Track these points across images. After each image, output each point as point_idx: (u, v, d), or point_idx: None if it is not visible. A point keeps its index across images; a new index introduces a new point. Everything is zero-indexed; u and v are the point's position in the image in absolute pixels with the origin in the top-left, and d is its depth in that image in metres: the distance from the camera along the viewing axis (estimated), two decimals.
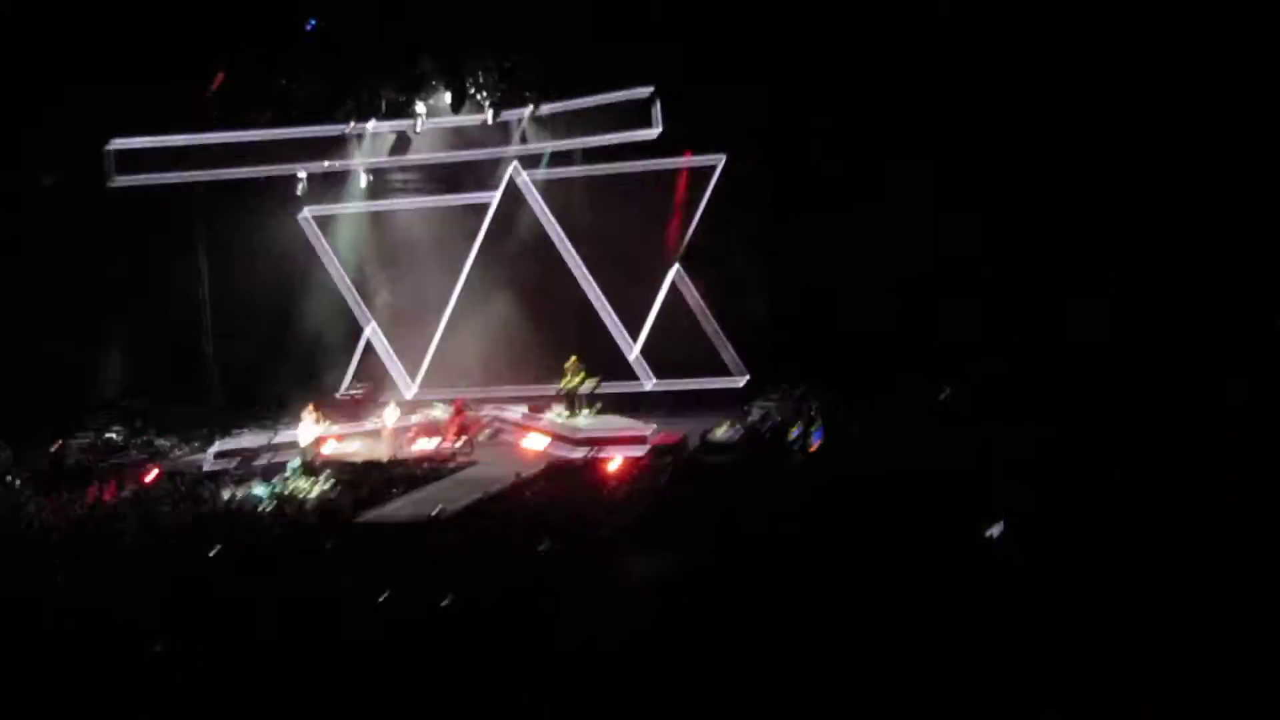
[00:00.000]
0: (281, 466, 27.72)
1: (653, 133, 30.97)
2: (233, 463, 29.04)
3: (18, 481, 27.05)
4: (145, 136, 31.74)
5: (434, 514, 21.75)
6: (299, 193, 34.19)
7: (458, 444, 30.26)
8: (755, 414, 28.40)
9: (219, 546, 19.69)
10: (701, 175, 32.24)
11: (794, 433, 26.01)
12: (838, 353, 27.87)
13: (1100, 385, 22.89)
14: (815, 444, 25.47)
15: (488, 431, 31.88)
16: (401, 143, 34.24)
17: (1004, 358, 25.60)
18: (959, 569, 14.08)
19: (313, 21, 29.31)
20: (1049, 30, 25.49)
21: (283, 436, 30.08)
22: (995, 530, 15.40)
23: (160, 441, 31.30)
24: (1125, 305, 25.30)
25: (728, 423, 27.72)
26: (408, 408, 33.30)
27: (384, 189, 35.37)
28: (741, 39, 27.77)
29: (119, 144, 31.77)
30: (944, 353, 26.87)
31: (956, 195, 27.25)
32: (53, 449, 29.44)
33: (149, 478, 27.46)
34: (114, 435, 30.85)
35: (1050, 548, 14.65)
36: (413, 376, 35.39)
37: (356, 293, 35.50)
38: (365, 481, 26.23)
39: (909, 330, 27.65)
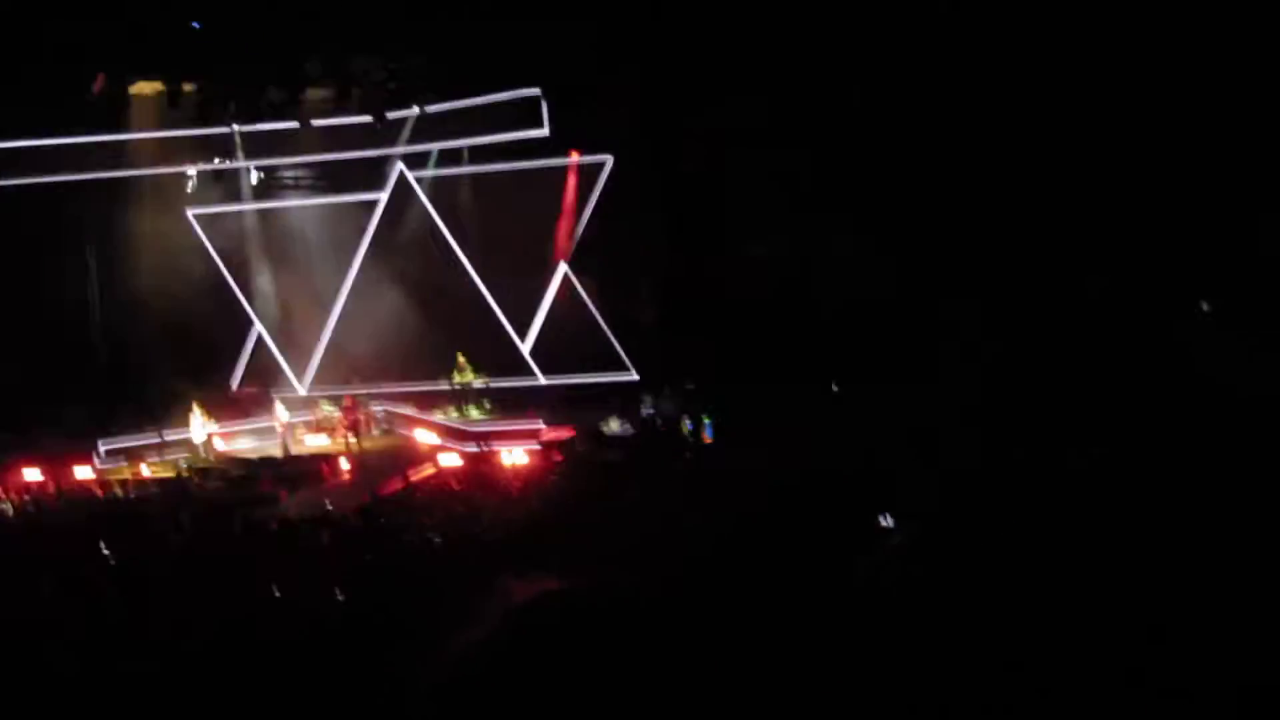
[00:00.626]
0: None
1: (541, 132, 31.24)
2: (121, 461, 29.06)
3: None
4: (28, 139, 31.43)
5: (324, 513, 21.83)
6: (189, 190, 34.03)
7: (349, 439, 30.41)
8: (646, 409, 28.69)
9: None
10: (589, 175, 32.52)
11: (686, 426, 26.42)
12: (727, 348, 28.09)
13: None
14: (708, 438, 25.91)
15: (379, 428, 32.02)
16: (288, 142, 34.16)
17: (893, 353, 25.94)
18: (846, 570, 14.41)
19: (196, 23, 29.16)
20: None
21: (172, 435, 30.06)
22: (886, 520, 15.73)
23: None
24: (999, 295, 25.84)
25: (618, 418, 28.10)
26: (298, 405, 33.34)
27: (271, 188, 35.26)
28: (630, 37, 27.87)
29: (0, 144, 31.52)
30: (834, 348, 27.31)
31: (837, 192, 27.55)
32: None
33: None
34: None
35: (942, 544, 14.99)
36: (303, 374, 35.35)
37: (245, 291, 35.35)
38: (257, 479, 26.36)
39: (798, 325, 27.97)
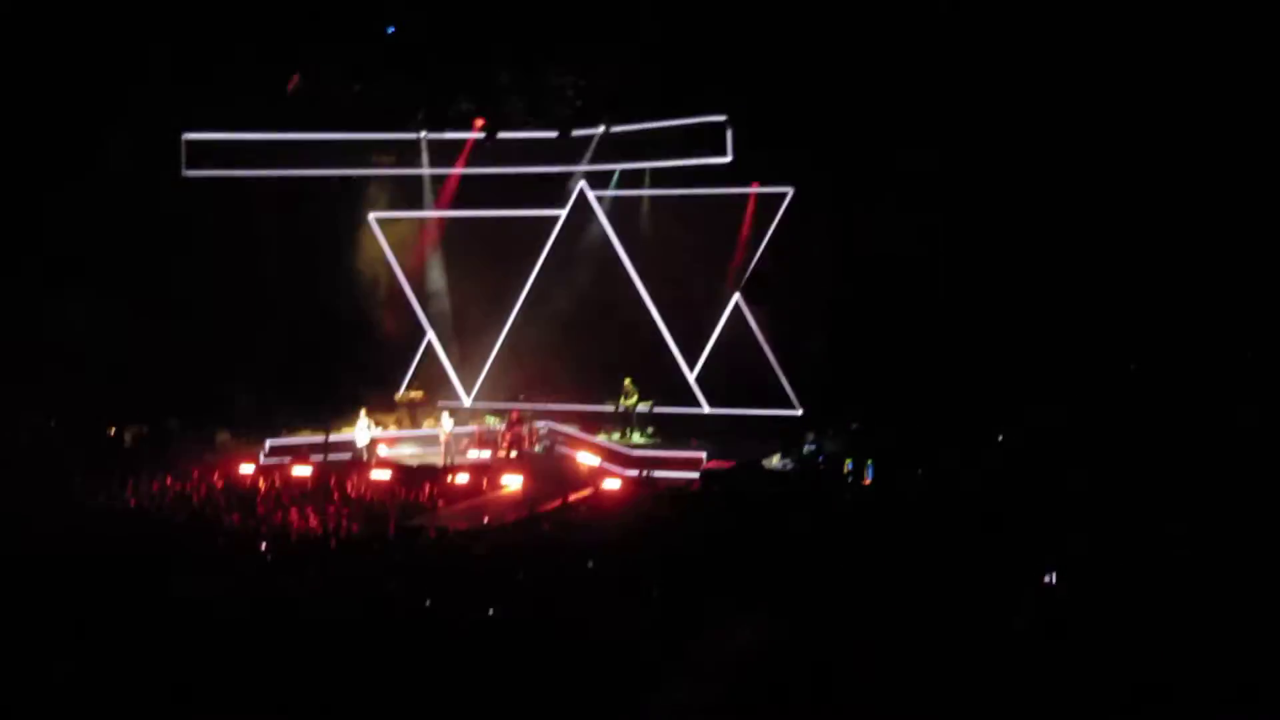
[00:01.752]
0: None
1: (724, 159, 31.06)
2: (287, 459, 29.35)
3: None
4: (218, 132, 32.07)
5: (481, 524, 21.79)
6: (362, 195, 34.40)
7: (511, 454, 30.42)
8: (809, 446, 28.31)
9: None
10: (769, 205, 32.19)
11: (847, 466, 26.00)
12: (897, 390, 27.67)
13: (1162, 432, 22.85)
14: (868, 479, 25.46)
15: (542, 445, 31.98)
16: (472, 152, 34.37)
17: (1066, 403, 25.40)
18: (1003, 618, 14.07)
19: (391, 27, 29.43)
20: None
21: (337, 436, 30.32)
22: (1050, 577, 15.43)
23: (221, 435, 31.36)
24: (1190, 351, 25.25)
25: (780, 454, 27.78)
26: (463, 416, 33.46)
27: (452, 198, 35.39)
28: (819, 73, 27.63)
29: (192, 136, 32.11)
30: (1004, 396, 26.76)
31: (1023, 241, 27.06)
32: (111, 432, 29.85)
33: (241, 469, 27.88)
34: (172, 424, 31.04)
35: (1102, 597, 14.62)
36: (470, 385, 35.46)
37: (419, 299, 35.58)
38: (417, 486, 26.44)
39: (969, 371, 27.47)
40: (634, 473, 27.89)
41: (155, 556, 17.80)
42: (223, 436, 31.03)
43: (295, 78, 30.79)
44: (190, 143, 32.17)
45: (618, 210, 34.29)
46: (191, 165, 32.17)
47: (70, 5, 27.88)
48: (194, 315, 30.65)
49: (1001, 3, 26.25)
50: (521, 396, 33.44)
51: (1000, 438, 26.41)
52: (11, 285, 29.08)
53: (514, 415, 31.74)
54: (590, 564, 17.57)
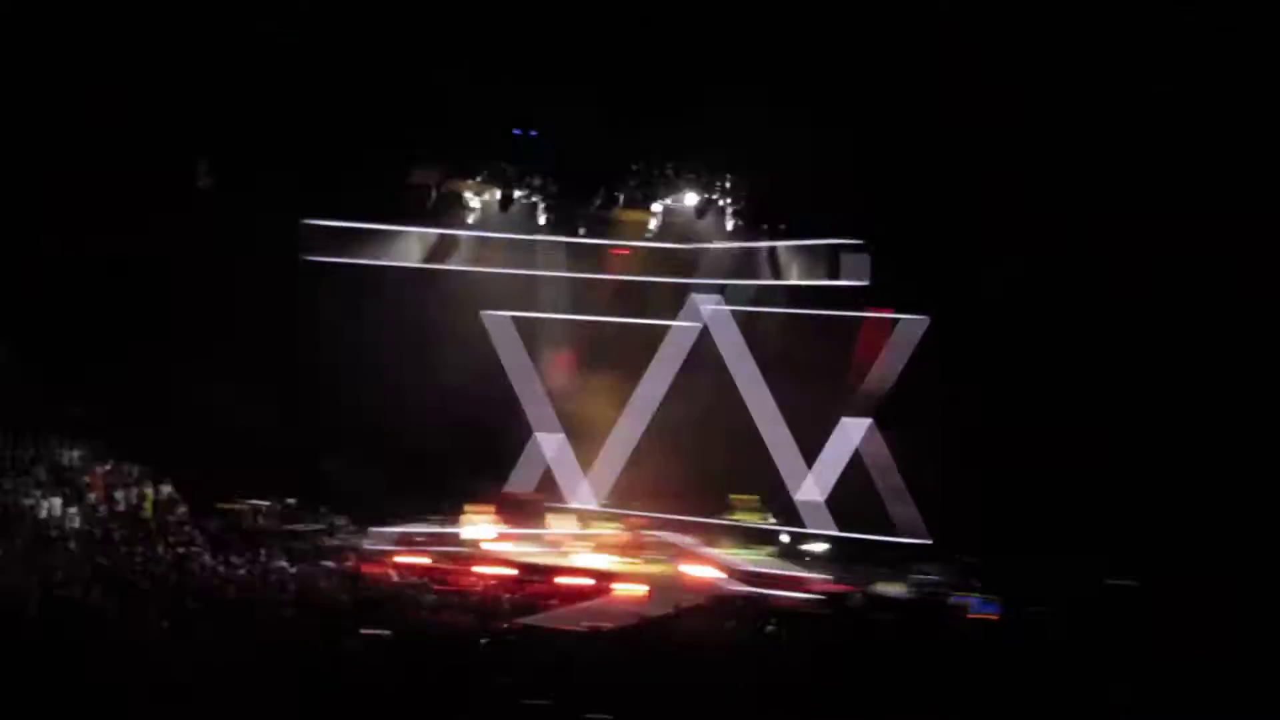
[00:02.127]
0: None
1: (861, 283, 30.97)
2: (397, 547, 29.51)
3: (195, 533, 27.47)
4: (341, 220, 32.57)
5: (589, 628, 21.66)
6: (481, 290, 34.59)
7: (624, 560, 30.28)
8: (925, 575, 27.92)
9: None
10: (903, 333, 31.94)
11: (961, 599, 25.64)
12: (1018, 526, 27.25)
13: None
14: (983, 614, 25.06)
15: (655, 554, 31.77)
16: (602, 257, 34.67)
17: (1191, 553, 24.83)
18: None
19: (534, 131, 29.81)
20: None
21: (446, 528, 30.40)
22: None
23: (337, 520, 31.52)
24: None
25: (897, 581, 27.44)
26: (570, 518, 33.37)
27: (576, 300, 35.55)
28: (957, 206, 27.58)
29: (315, 222, 32.50)
30: (1128, 539, 26.23)
31: (1159, 378, 26.70)
32: (231, 507, 30.15)
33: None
34: (290, 503, 31.32)
35: None
36: (586, 489, 35.35)
37: (532, 397, 35.61)
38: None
39: (1093, 514, 27.01)
40: (748, 588, 27.64)
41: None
42: (340, 521, 31.18)
43: (422, 173, 31.28)
44: (312, 227, 32.68)
45: (745, 325, 34.17)
46: (312, 251, 32.69)
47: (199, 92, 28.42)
48: (310, 397, 30.99)
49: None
50: (633, 503, 33.33)
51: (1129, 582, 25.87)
52: (142, 363, 29.59)
53: (631, 522, 31.65)
54: (697, 676, 17.38)
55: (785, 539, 31.66)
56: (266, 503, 31.05)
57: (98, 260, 29.46)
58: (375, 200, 32.08)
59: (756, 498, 31.50)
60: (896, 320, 31.89)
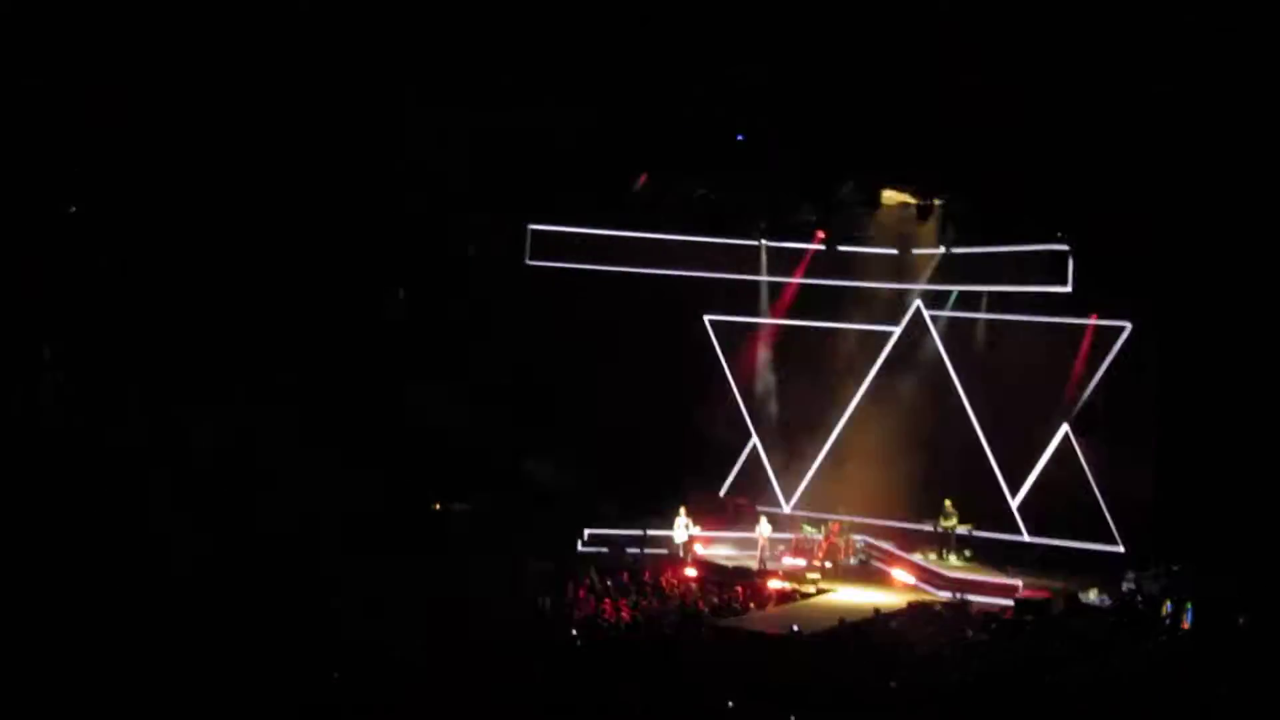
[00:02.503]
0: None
1: (1064, 288, 30.90)
2: (603, 548, 30.29)
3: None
4: (561, 226, 33.73)
5: (790, 631, 22.03)
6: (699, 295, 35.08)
7: (826, 564, 30.62)
8: (1127, 584, 27.76)
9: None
10: (1105, 339, 31.75)
11: (1166, 608, 25.42)
12: (1224, 534, 26.92)
13: None
14: (1186, 623, 24.84)
15: (858, 558, 32.10)
16: (811, 261, 35.06)
17: None
18: None
19: (741, 135, 30.06)
20: None
21: (654, 530, 31.06)
22: None
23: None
24: None
25: (1098, 588, 27.33)
26: (781, 522, 33.81)
27: (786, 306, 35.94)
28: (1166, 209, 27.20)
29: (536, 228, 33.71)
30: None
31: None
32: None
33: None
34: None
35: None
36: (790, 492, 35.83)
37: (747, 403, 36.16)
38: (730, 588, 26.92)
39: None
40: (947, 594, 27.82)
41: None
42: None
43: (643, 176, 31.78)
44: (535, 232, 33.78)
45: (952, 331, 34.25)
46: (535, 255, 33.73)
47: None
48: (526, 401, 31.78)
49: None
50: (839, 508, 33.71)
51: None
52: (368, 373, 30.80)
53: (834, 526, 31.98)
54: (892, 684, 17.68)
55: (987, 546, 31.78)
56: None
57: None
58: (593, 205, 32.88)
59: (950, 503, 31.53)
60: (1104, 327, 31.76)
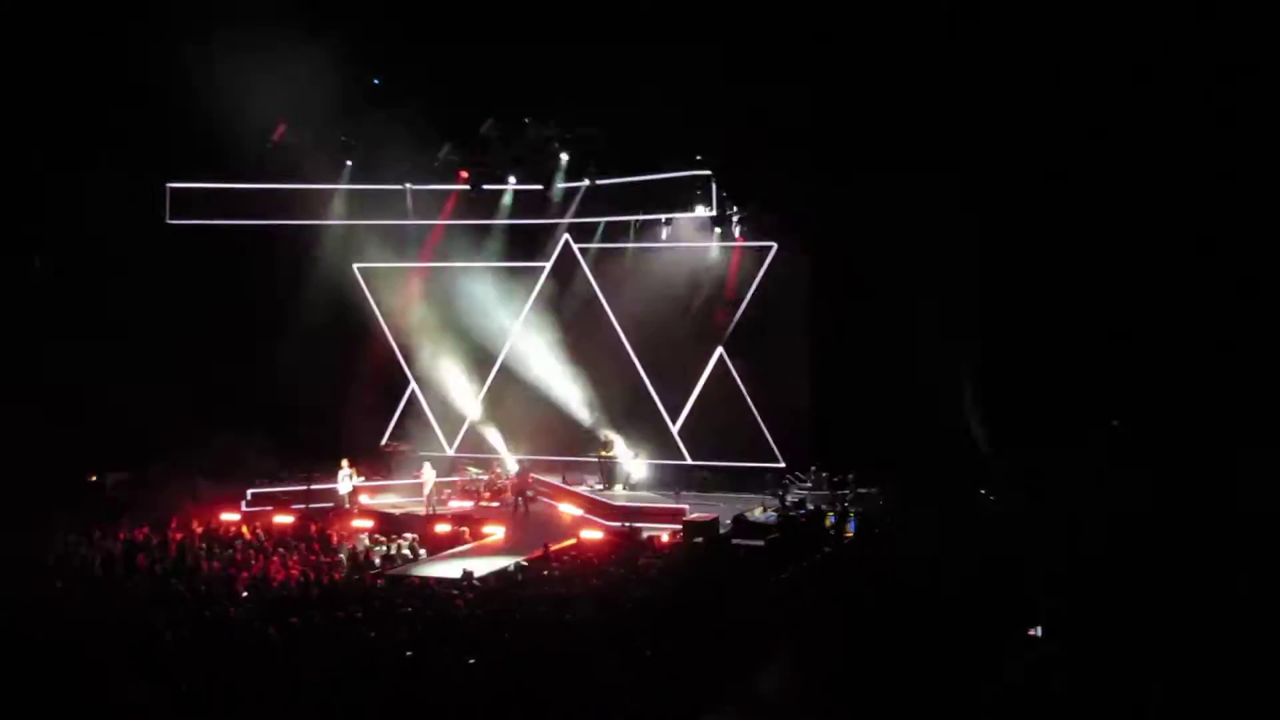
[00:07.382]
0: None
1: (709, 213, 31.32)
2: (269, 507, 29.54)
3: None
4: (202, 182, 32.72)
5: (460, 576, 21.75)
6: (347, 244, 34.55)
7: (518, 504, 30.55)
8: (791, 498, 28.40)
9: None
10: (753, 259, 32.37)
11: (829, 519, 26.07)
12: (877, 442, 27.74)
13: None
14: (850, 532, 25.54)
15: (525, 494, 32.05)
16: (457, 204, 34.69)
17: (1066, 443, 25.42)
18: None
19: (376, 79, 29.52)
20: None
21: (318, 485, 30.44)
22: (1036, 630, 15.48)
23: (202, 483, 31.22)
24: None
25: (762, 505, 27.84)
26: (445, 466, 33.55)
27: (436, 249, 35.47)
28: (803, 129, 27.57)
29: (175, 186, 32.62)
30: (986, 447, 26.91)
31: (999, 286, 27.19)
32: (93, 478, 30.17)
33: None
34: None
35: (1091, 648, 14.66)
36: (453, 436, 35.54)
37: (402, 348, 35.64)
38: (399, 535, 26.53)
39: (949, 424, 27.62)
40: (616, 524, 27.94)
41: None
42: (204, 484, 30.88)
43: (281, 128, 30.96)
44: (174, 190, 32.65)
45: (602, 263, 34.45)
46: (175, 214, 32.59)
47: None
48: (174, 361, 30.56)
49: None
50: (504, 447, 33.74)
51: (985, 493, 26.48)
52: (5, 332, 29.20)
53: (522, 466, 32.04)
54: (568, 616, 17.60)
55: (655, 472, 32.19)
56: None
57: None
58: (231, 159, 31.51)
59: (611, 433, 31.86)
60: (752, 248, 32.34)
